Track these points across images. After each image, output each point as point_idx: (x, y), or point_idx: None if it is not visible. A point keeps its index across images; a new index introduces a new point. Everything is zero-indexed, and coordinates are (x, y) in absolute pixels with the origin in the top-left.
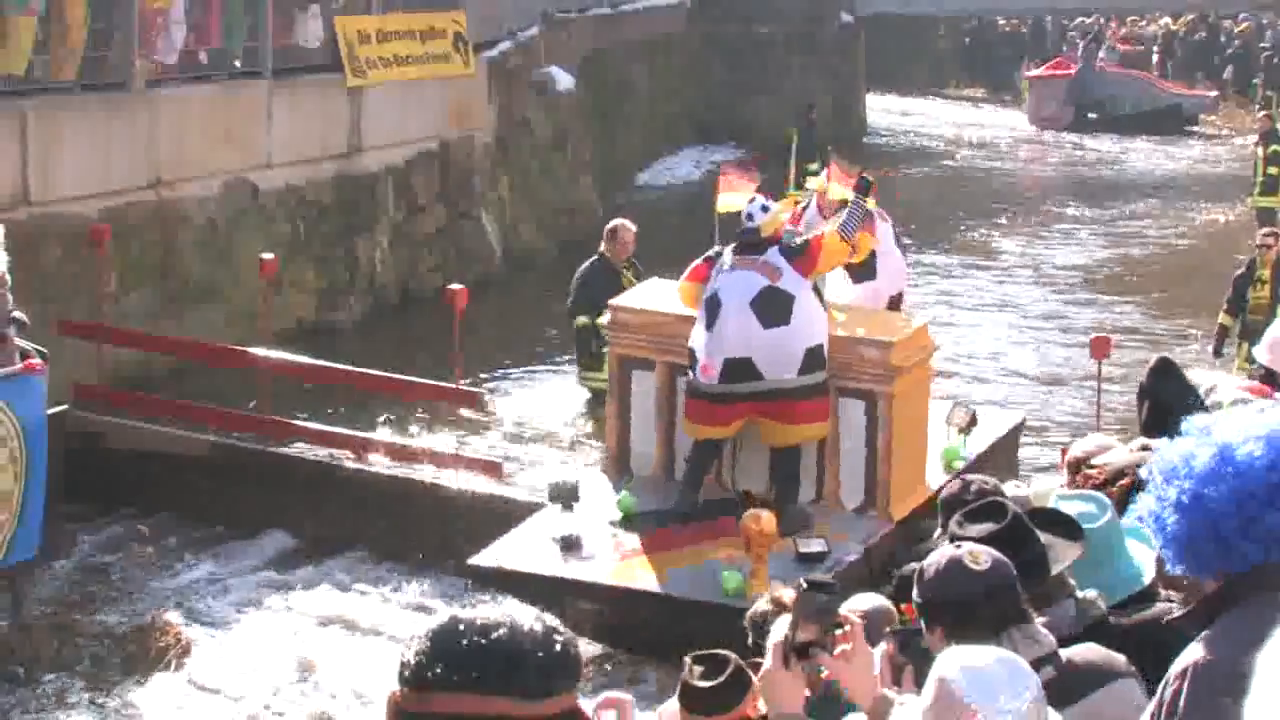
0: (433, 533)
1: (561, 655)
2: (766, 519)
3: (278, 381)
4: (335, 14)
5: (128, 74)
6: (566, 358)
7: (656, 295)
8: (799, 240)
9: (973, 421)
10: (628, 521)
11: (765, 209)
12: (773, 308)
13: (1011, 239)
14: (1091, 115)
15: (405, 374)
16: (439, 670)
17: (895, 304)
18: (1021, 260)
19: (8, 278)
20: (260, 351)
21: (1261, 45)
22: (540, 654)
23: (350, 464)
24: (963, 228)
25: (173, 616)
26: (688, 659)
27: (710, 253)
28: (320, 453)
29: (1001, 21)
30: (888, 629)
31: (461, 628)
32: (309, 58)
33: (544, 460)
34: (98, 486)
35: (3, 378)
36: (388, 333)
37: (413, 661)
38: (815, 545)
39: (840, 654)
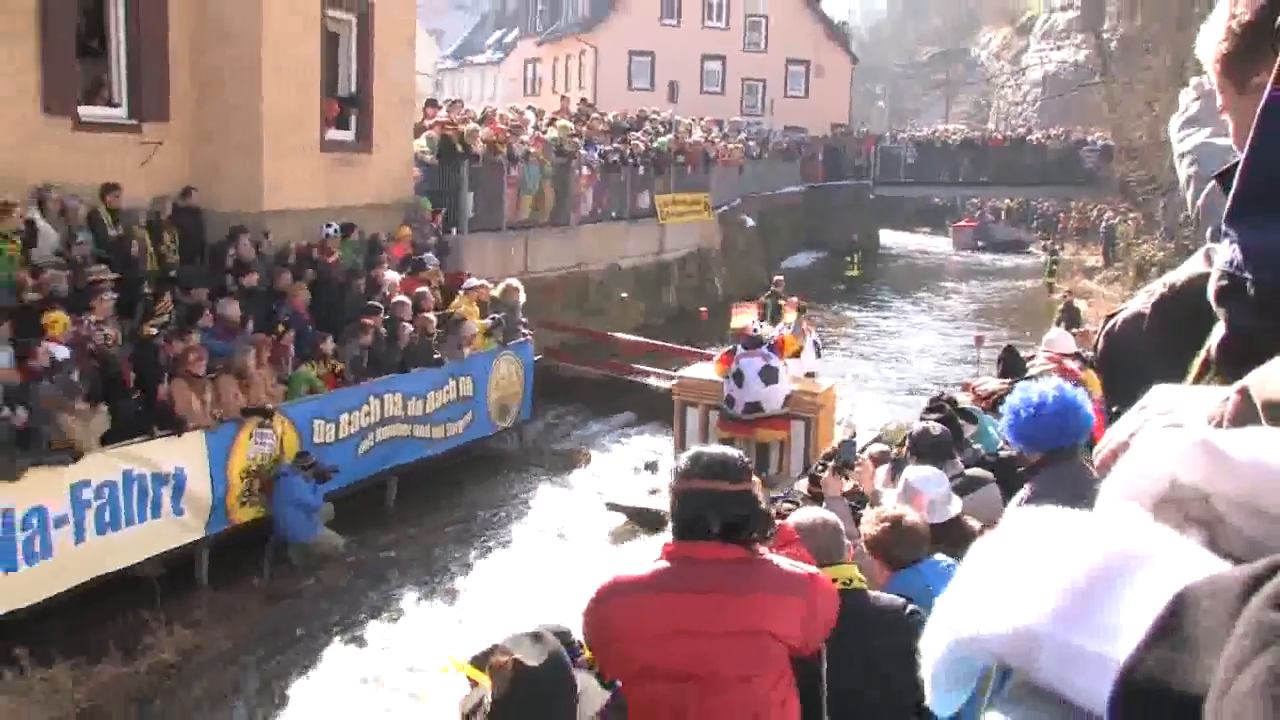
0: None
1: (743, 465)
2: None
3: (627, 348)
4: (655, 192)
5: (569, 217)
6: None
7: (700, 370)
8: (772, 339)
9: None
10: None
11: (759, 327)
12: (768, 375)
13: (941, 289)
14: (980, 243)
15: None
16: (692, 468)
17: (811, 375)
18: (944, 299)
19: (522, 296)
20: (619, 334)
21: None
22: (738, 460)
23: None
24: (917, 285)
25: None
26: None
27: (728, 349)
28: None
29: (938, 200)
30: (886, 456)
31: (703, 454)
32: (643, 211)
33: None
34: (551, 393)
35: (518, 345)
36: (676, 329)
37: (680, 468)
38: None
39: (856, 471)
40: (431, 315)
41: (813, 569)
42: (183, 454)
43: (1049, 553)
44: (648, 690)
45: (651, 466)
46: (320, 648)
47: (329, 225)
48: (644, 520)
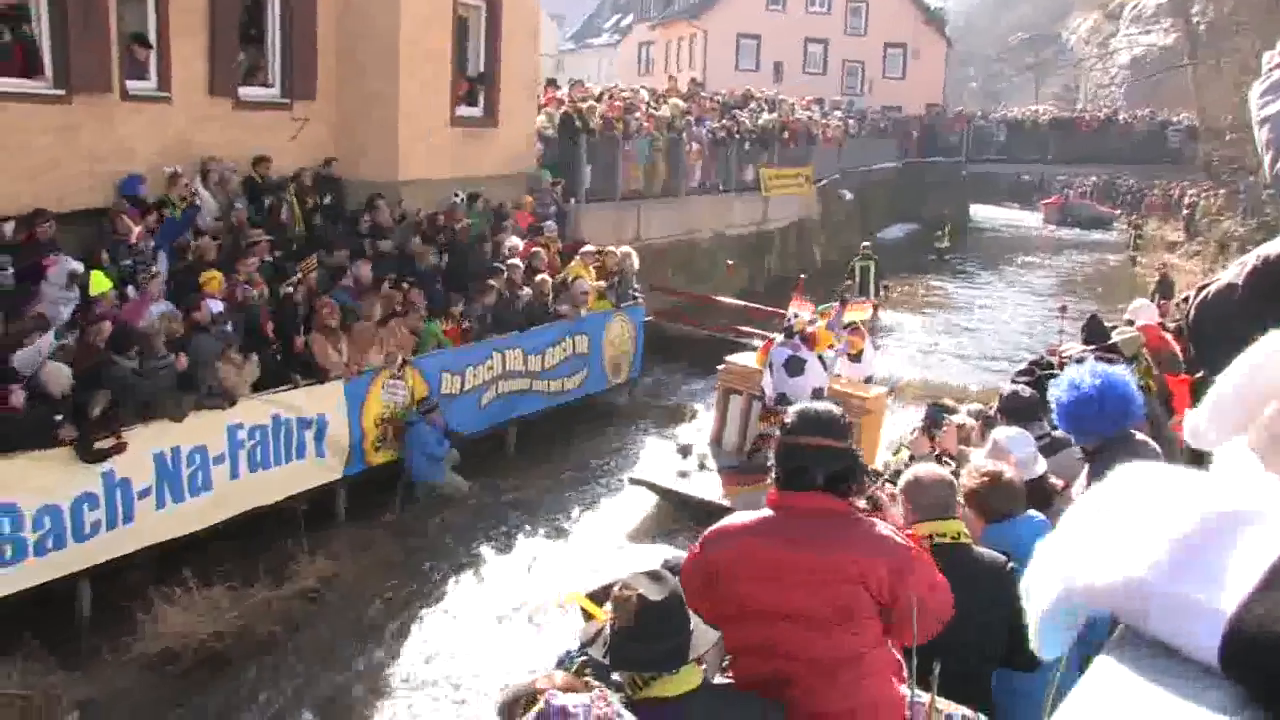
0: None
1: (847, 423)
2: None
3: (730, 312)
4: (759, 166)
5: (679, 188)
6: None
7: (747, 358)
8: (808, 331)
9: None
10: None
11: (796, 316)
12: (793, 366)
13: (1027, 263)
14: (1067, 219)
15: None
16: (800, 424)
17: (869, 380)
18: (1030, 272)
19: (635, 262)
20: (723, 298)
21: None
22: (842, 418)
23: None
24: (1005, 258)
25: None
26: None
27: (771, 338)
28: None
29: (1027, 177)
30: (981, 416)
31: (810, 409)
32: (748, 184)
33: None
34: (659, 351)
35: (630, 306)
36: (776, 295)
37: (788, 423)
38: None
39: (943, 433)
40: (549, 278)
41: (907, 540)
42: (324, 402)
43: (1160, 507)
44: (747, 632)
45: (685, 450)
46: (444, 580)
47: (457, 194)
48: (669, 499)
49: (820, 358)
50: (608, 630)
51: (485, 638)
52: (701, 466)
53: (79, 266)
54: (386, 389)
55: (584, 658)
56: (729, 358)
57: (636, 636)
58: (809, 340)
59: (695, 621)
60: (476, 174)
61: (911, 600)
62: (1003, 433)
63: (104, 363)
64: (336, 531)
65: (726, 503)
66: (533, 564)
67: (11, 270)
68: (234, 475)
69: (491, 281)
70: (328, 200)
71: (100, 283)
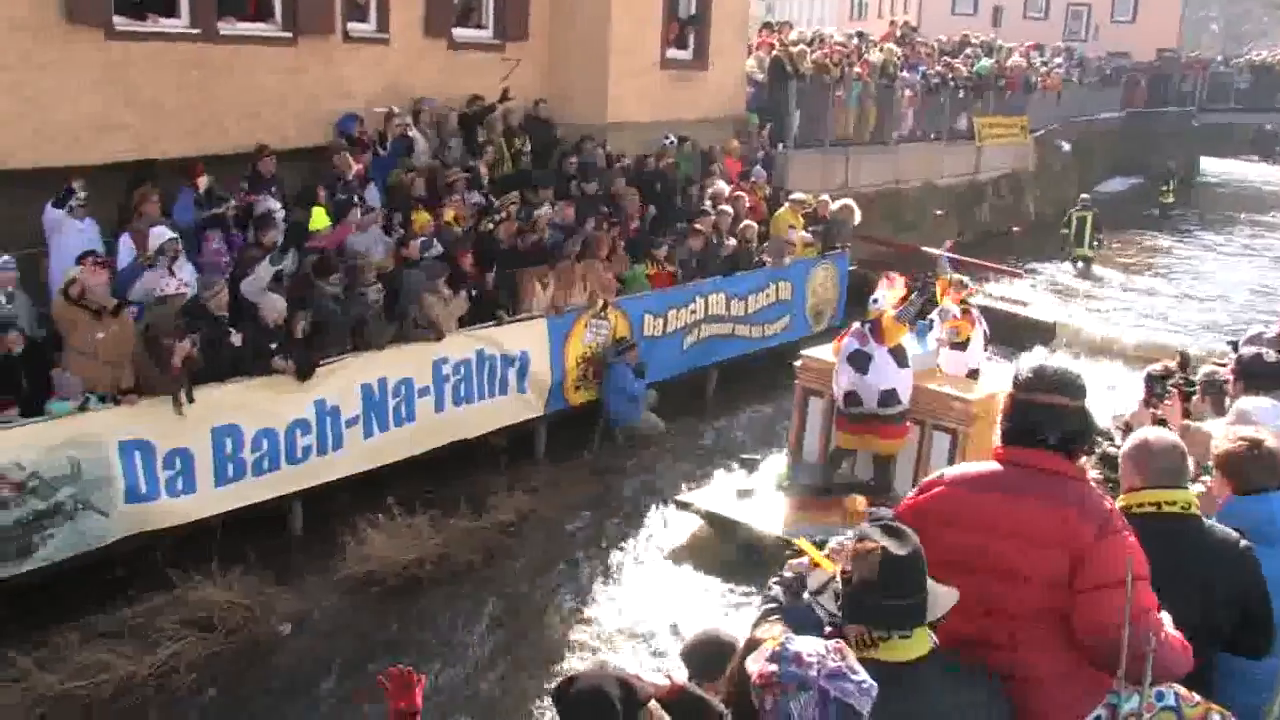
0: None
1: (1083, 384)
2: (860, 500)
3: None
4: (973, 115)
5: (889, 136)
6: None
7: (824, 353)
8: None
9: None
10: (784, 488)
11: (875, 301)
12: (859, 362)
13: (1264, 222)
14: None
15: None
16: (1036, 381)
17: (974, 374)
18: (1266, 232)
19: (856, 216)
20: (930, 249)
21: None
22: (1079, 377)
23: None
24: (1238, 215)
25: None
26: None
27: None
28: None
29: (1269, 127)
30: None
31: (1046, 368)
32: (960, 133)
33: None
34: (863, 300)
35: (835, 255)
36: (986, 247)
37: (1022, 378)
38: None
39: (1166, 405)
40: (755, 224)
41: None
42: (527, 339)
43: None
44: (956, 583)
45: (749, 465)
46: (638, 518)
47: (666, 137)
48: (714, 524)
49: (895, 353)
50: (838, 582)
51: (678, 576)
52: (781, 486)
53: (275, 204)
54: (590, 329)
55: (771, 604)
56: (806, 352)
57: (876, 591)
58: (877, 331)
59: (931, 584)
60: (684, 117)
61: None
62: (1250, 402)
63: (309, 289)
64: (535, 468)
65: (787, 535)
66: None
67: (234, 204)
68: (438, 408)
69: (698, 226)
70: (536, 141)
71: (319, 218)
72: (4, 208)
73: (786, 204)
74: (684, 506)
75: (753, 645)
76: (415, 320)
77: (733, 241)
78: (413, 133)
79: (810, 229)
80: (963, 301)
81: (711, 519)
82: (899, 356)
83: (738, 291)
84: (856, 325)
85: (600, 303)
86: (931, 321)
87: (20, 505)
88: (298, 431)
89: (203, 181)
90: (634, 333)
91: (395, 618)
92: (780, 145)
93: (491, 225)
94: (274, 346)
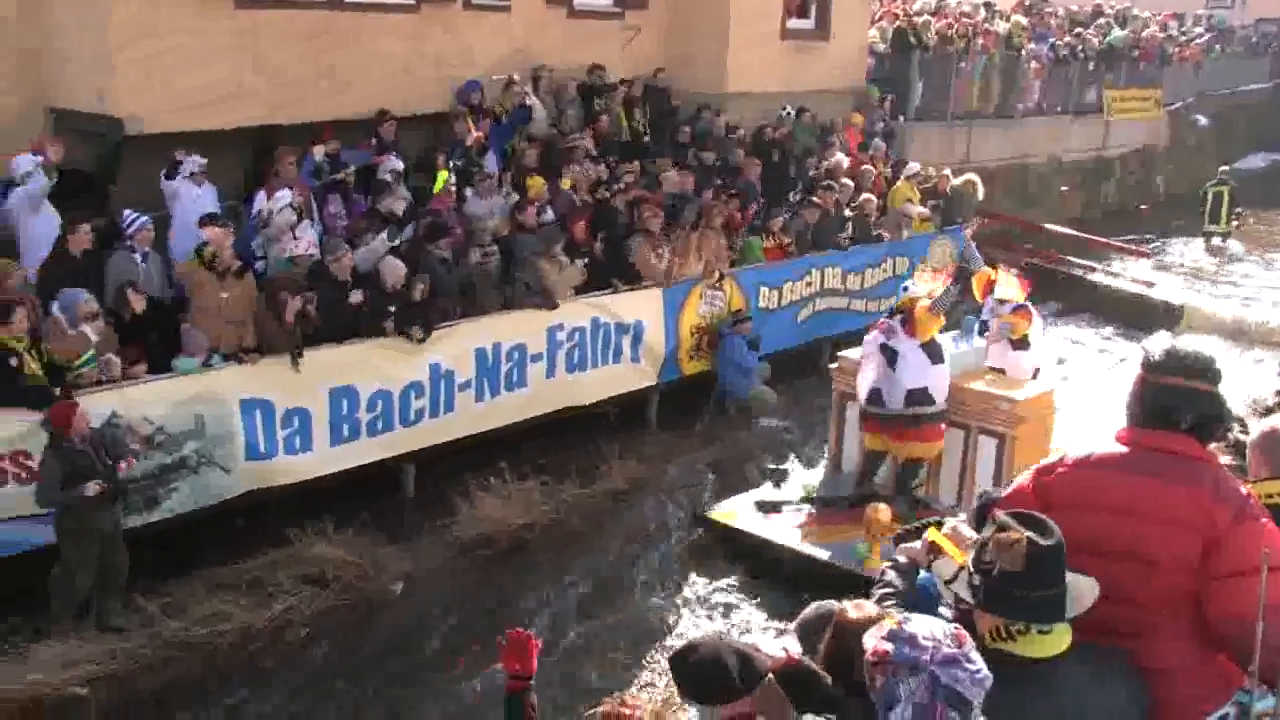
0: None
1: (1218, 368)
2: (883, 510)
3: (1060, 241)
4: (1103, 87)
5: (1014, 109)
6: None
7: (860, 354)
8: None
9: None
10: (811, 500)
11: (905, 289)
12: (887, 355)
13: None
14: None
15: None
16: (1168, 363)
17: (1037, 373)
18: None
19: (979, 193)
20: (1052, 226)
21: None
22: (1213, 359)
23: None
24: None
25: None
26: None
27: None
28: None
29: None
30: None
31: (1179, 349)
32: (1088, 106)
33: None
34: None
35: (953, 230)
36: (1113, 225)
37: (1153, 359)
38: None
39: None
40: (874, 197)
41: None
42: (642, 308)
43: None
44: (1081, 564)
45: (777, 476)
46: (750, 488)
47: (785, 108)
48: (727, 540)
49: (928, 348)
50: (968, 572)
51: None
52: (809, 499)
53: (400, 165)
54: (705, 299)
55: (888, 589)
56: (843, 353)
57: (1019, 582)
58: (909, 323)
59: (1071, 576)
60: (804, 88)
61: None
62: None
63: (423, 252)
64: (647, 436)
65: (806, 548)
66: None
67: (353, 169)
68: (550, 374)
69: (815, 199)
70: (653, 111)
71: (442, 181)
72: (141, 171)
73: (903, 178)
74: (701, 521)
75: (844, 625)
76: (528, 286)
77: (851, 211)
78: (531, 101)
79: (929, 203)
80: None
81: (726, 534)
82: (932, 351)
83: (853, 265)
84: (884, 317)
85: (716, 274)
86: (981, 320)
87: (148, 459)
88: (412, 394)
89: (327, 147)
90: (748, 305)
91: (503, 581)
92: (901, 118)
93: (609, 194)
94: (392, 310)
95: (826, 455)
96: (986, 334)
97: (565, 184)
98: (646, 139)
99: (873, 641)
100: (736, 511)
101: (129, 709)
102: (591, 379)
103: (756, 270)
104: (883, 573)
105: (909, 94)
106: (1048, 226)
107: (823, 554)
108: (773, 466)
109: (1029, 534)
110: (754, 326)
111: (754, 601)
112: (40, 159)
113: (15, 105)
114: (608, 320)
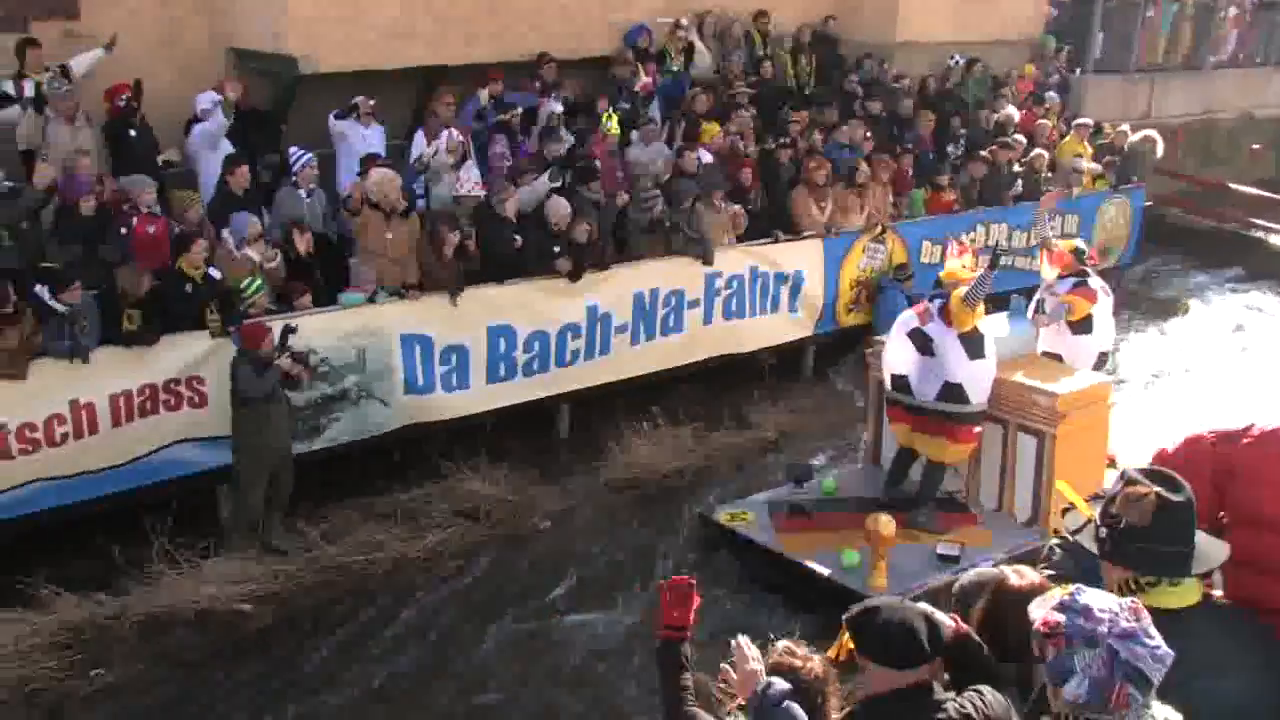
0: None
1: None
2: (885, 522)
3: (1247, 202)
4: None
5: (1204, 60)
6: None
7: None
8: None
9: None
10: (830, 500)
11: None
12: (919, 340)
13: None
14: None
15: None
16: None
17: (1102, 360)
18: None
19: (1159, 149)
20: (1240, 186)
21: None
22: None
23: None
24: None
25: None
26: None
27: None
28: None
29: None
30: None
31: None
32: None
33: None
34: (1157, 239)
35: (1130, 189)
36: None
37: None
38: (952, 550)
39: None
40: (1045, 152)
41: None
42: (802, 258)
43: None
44: (1262, 540)
45: (800, 473)
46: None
47: (952, 57)
48: (723, 543)
49: (967, 340)
50: (1095, 525)
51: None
52: (828, 495)
53: (560, 107)
54: (866, 252)
55: (1053, 570)
56: (880, 336)
57: (1147, 537)
58: (945, 312)
59: (1201, 535)
60: (977, 39)
61: None
62: None
63: (575, 195)
64: (800, 387)
65: (781, 548)
66: None
67: (521, 110)
68: (707, 321)
69: (983, 152)
70: (820, 58)
71: (611, 124)
72: (312, 109)
73: (1073, 131)
74: (705, 521)
75: (1003, 591)
76: (685, 233)
77: (1020, 166)
78: (697, 45)
79: (1104, 160)
80: (1079, 271)
81: (724, 537)
82: (971, 344)
83: (1021, 223)
84: (926, 298)
85: (878, 226)
86: (1038, 299)
87: (312, 388)
88: (569, 335)
89: (493, 88)
90: (911, 259)
91: (651, 524)
92: (1078, 70)
93: (773, 144)
94: (556, 250)
95: (863, 447)
96: (1039, 315)
97: (733, 130)
98: (808, 89)
99: (1042, 612)
100: (753, 514)
101: (286, 627)
102: (748, 327)
103: (919, 224)
104: (1050, 550)
105: (1089, 44)
106: (1233, 186)
107: (821, 569)
108: (792, 463)
109: (1158, 489)
110: (915, 282)
111: None
112: (219, 98)
113: (200, 45)
114: (766, 269)
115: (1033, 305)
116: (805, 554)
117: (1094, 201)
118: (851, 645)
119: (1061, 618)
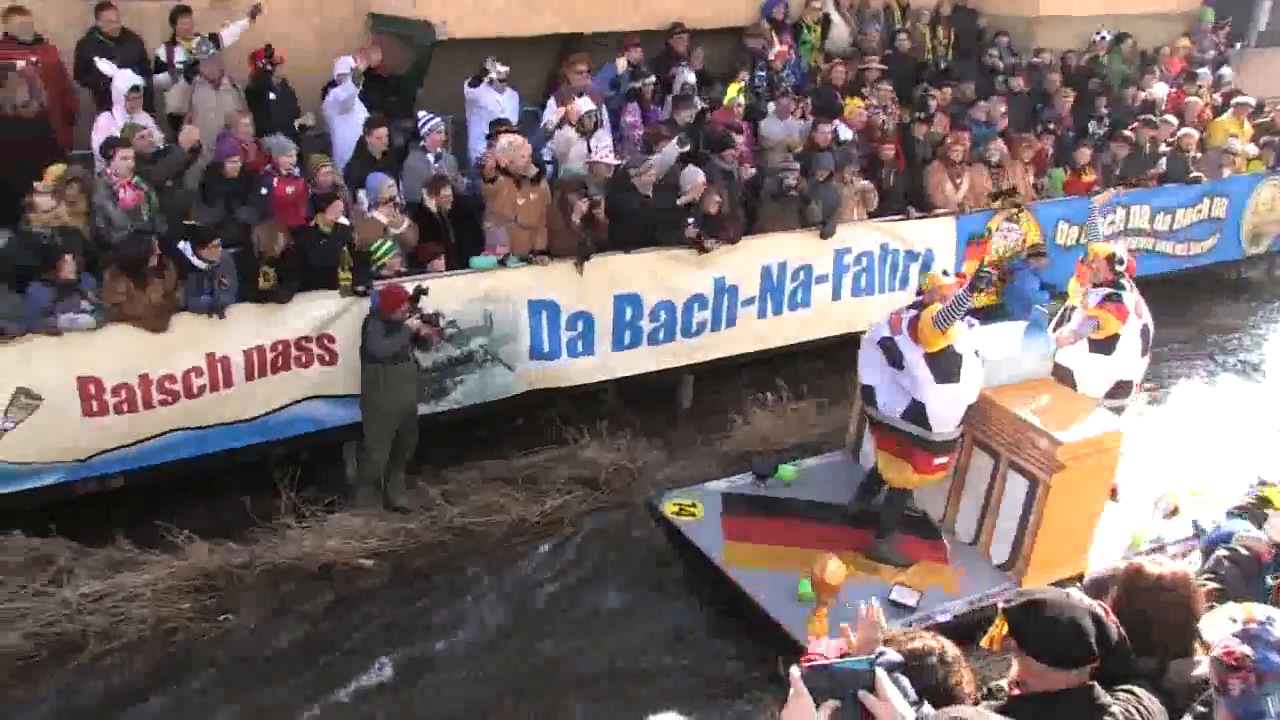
0: None
1: None
2: (832, 570)
3: None
4: None
5: None
6: None
7: None
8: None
9: (1175, 511)
10: (787, 501)
11: (946, 272)
12: (890, 351)
13: None
14: None
15: None
16: None
17: (1125, 389)
18: None
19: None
20: None
21: None
22: None
23: None
24: None
25: None
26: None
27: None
28: None
29: None
30: None
31: None
32: None
33: None
34: None
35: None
36: None
37: None
38: (908, 599)
39: None
40: (1194, 132)
41: None
42: (933, 236)
43: None
44: None
45: (764, 472)
46: None
47: (1098, 32)
48: (671, 542)
49: (934, 361)
50: None
51: None
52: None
53: (692, 77)
54: (1000, 231)
55: (1218, 584)
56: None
57: None
58: (915, 328)
59: None
60: (1127, 11)
61: None
62: None
63: (706, 164)
64: None
65: (721, 559)
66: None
67: (654, 80)
68: (835, 297)
69: (1128, 132)
70: (960, 32)
71: (733, 94)
72: (446, 75)
73: (1230, 110)
74: (652, 511)
75: (1137, 581)
76: (813, 206)
77: (1169, 144)
78: (834, 17)
79: (1262, 140)
80: (1113, 282)
81: (671, 537)
82: (941, 366)
83: (1165, 205)
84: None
85: (1016, 203)
86: (1069, 307)
87: (439, 350)
88: (695, 306)
89: (630, 57)
90: (1046, 240)
91: None
92: (1239, 44)
93: (913, 119)
94: (690, 221)
95: (847, 440)
96: (1063, 329)
97: (874, 103)
98: (945, 64)
99: (1223, 639)
100: (702, 506)
101: (404, 583)
102: (877, 304)
103: (1055, 204)
104: (1217, 561)
105: (1253, 16)
106: None
107: (761, 596)
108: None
109: None
110: (1050, 264)
111: None
112: (355, 65)
113: (342, 11)
114: (896, 246)
115: (1057, 318)
116: (749, 569)
117: (1248, 184)
118: (1009, 637)
119: (1249, 650)
